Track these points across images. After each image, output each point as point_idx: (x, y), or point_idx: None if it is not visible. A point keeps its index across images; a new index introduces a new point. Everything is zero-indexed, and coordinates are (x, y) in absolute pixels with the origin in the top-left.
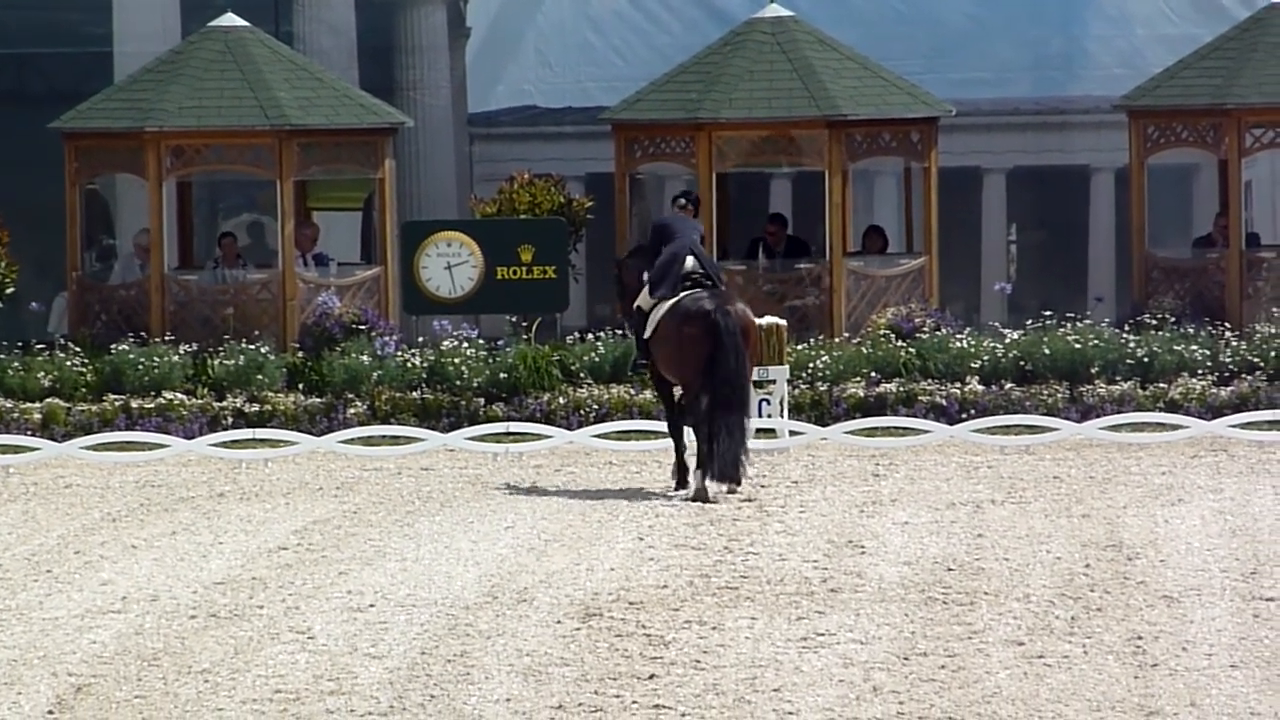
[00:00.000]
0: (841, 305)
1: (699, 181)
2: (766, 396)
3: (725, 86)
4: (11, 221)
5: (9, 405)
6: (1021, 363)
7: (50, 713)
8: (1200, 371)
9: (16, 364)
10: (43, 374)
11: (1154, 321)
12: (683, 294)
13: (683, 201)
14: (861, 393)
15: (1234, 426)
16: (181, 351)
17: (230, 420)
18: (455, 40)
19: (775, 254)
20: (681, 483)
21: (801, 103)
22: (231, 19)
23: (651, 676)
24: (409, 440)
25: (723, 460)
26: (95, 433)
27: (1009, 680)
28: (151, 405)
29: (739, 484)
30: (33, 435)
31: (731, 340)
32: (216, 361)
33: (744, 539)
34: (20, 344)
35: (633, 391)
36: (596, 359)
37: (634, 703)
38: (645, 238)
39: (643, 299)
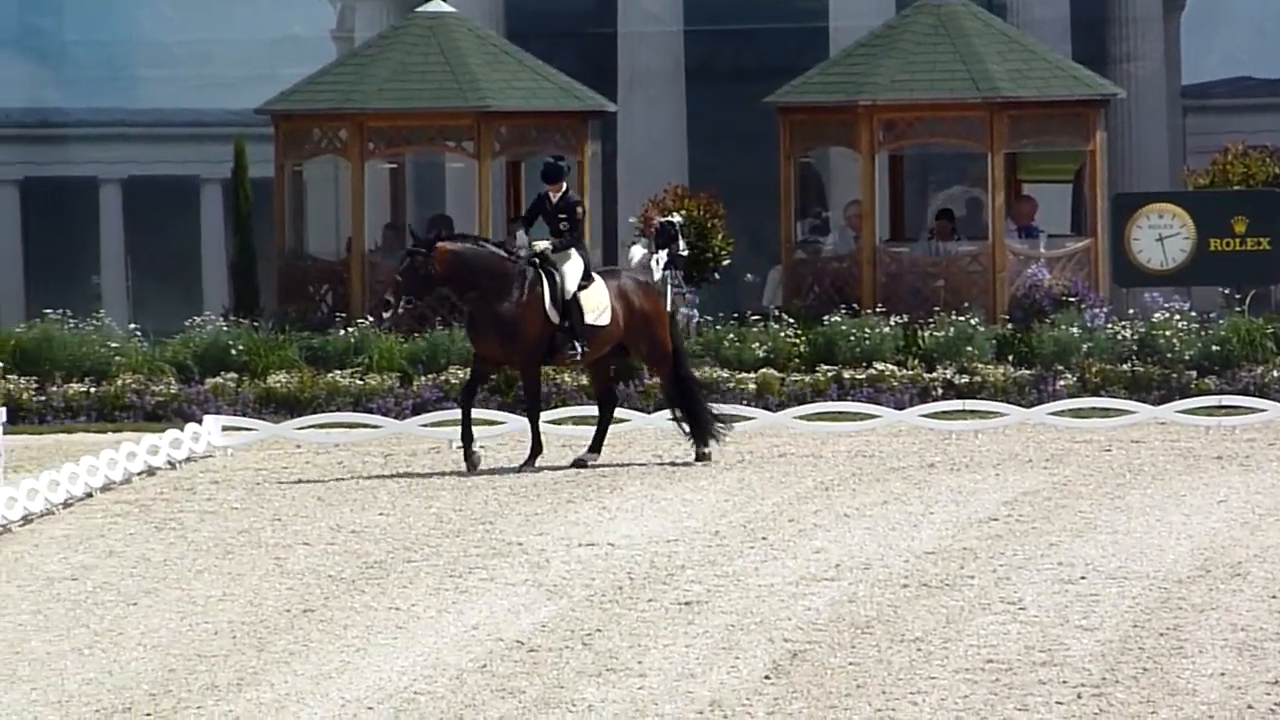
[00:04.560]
0: None
1: None
2: None
3: None
4: (727, 195)
5: (725, 375)
6: None
7: (766, 678)
8: None
9: (732, 335)
10: (757, 345)
11: None
12: (604, 271)
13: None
14: None
15: None
16: (892, 323)
17: (940, 391)
18: (1169, 11)
19: None
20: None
21: None
22: None
23: None
24: (1119, 413)
25: (710, 420)
26: (808, 403)
27: None
28: (863, 376)
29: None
30: (747, 405)
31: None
32: (926, 333)
33: None
34: (735, 315)
35: None
36: None
37: None
38: None
39: (572, 281)
